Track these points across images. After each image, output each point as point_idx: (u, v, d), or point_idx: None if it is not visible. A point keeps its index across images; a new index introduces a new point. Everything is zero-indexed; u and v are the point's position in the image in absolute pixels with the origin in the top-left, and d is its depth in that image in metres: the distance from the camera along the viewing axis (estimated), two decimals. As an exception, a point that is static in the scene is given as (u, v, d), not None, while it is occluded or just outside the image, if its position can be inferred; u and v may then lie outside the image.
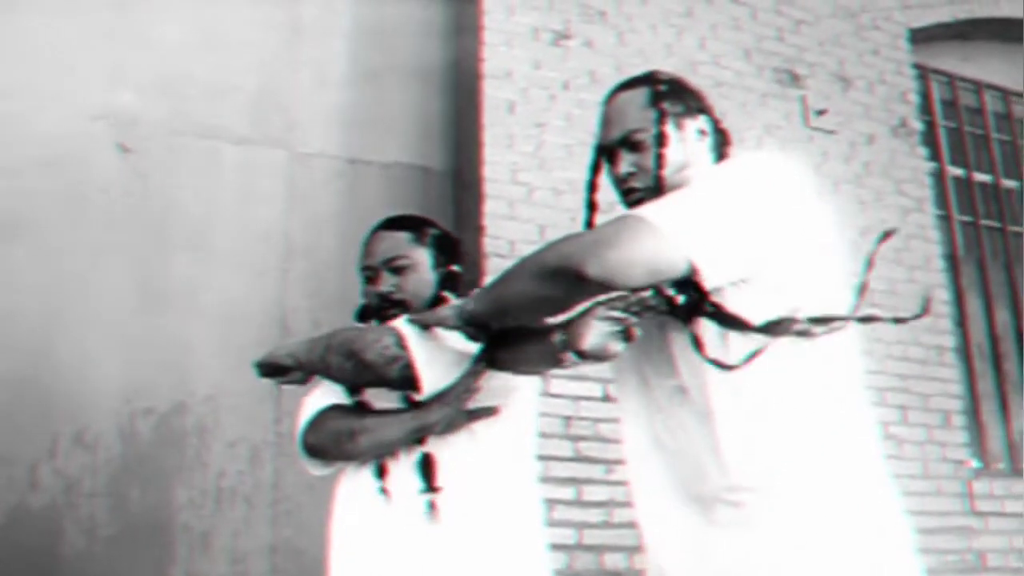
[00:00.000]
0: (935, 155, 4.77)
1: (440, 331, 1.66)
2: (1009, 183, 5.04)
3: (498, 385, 1.71)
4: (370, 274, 1.91)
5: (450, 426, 1.71)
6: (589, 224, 1.61)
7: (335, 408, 1.83)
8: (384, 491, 1.78)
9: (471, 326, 1.51)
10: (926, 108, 4.82)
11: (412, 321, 1.62)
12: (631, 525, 3.42)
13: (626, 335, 1.36)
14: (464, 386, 1.69)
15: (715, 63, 4.19)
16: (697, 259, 1.30)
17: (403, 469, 1.74)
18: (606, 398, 3.35)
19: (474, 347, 1.65)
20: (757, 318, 1.34)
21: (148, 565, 2.94)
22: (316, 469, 1.92)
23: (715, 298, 1.35)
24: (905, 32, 4.76)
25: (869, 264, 1.43)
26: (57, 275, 3.10)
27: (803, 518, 1.35)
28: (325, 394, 1.88)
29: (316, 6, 3.80)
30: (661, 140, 1.48)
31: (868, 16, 4.66)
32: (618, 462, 3.50)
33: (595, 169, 1.61)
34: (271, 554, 3.11)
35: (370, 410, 1.80)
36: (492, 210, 3.51)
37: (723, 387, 1.36)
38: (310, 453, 1.87)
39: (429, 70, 3.90)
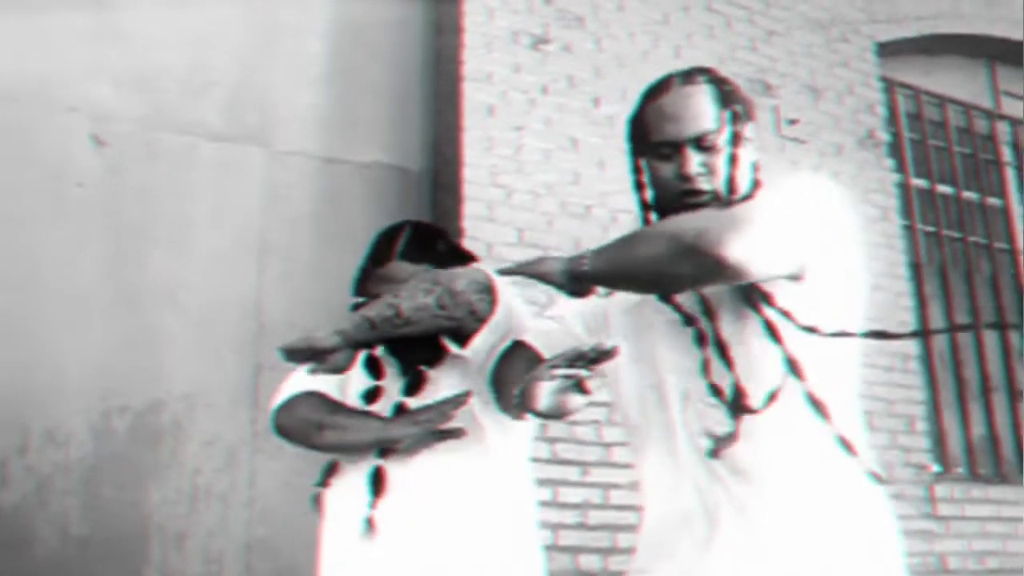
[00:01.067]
0: (900, 166, 4.88)
1: (506, 287, 1.67)
2: (969, 195, 5.16)
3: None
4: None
5: (415, 446, 1.70)
6: (644, 217, 1.54)
7: (310, 395, 1.82)
8: (317, 501, 1.79)
9: (576, 284, 1.41)
10: (892, 120, 4.92)
11: (504, 272, 1.51)
12: (606, 527, 3.48)
13: (580, 388, 1.30)
14: (440, 411, 1.69)
15: (690, 71, 4.24)
16: (810, 263, 1.35)
17: (353, 481, 1.74)
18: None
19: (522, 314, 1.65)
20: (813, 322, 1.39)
21: (121, 565, 2.91)
22: (287, 445, 1.93)
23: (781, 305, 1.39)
24: (872, 46, 4.87)
25: None
26: (31, 270, 3.06)
27: (809, 528, 1.39)
28: (305, 378, 1.88)
29: (295, 4, 3.79)
30: (736, 141, 1.47)
31: (838, 29, 4.75)
32: (594, 464, 3.54)
33: (639, 168, 1.54)
34: (246, 554, 3.09)
35: (343, 407, 1.80)
36: (471, 212, 3.53)
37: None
38: (279, 433, 1.88)
39: (408, 71, 3.91)
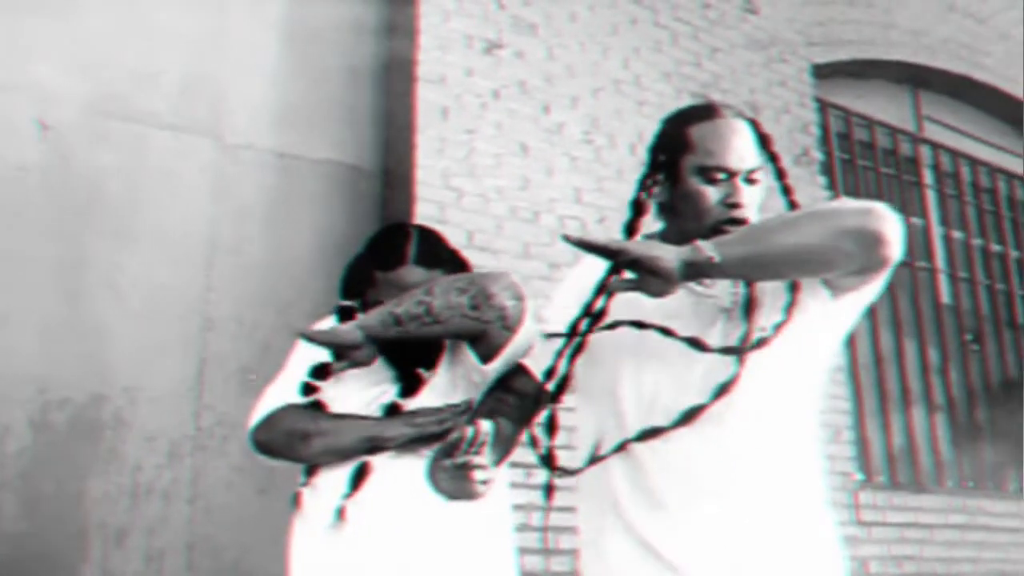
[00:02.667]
0: (831, 185, 5.05)
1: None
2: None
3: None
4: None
5: (405, 447, 1.71)
6: (632, 227, 1.56)
7: (290, 408, 1.80)
8: (297, 498, 1.79)
9: (692, 276, 1.38)
10: (825, 140, 5.10)
11: (628, 248, 1.34)
12: (549, 528, 3.50)
13: (468, 477, 1.32)
14: (439, 417, 1.69)
15: (637, 83, 4.33)
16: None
17: (336, 475, 1.74)
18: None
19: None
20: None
21: (59, 562, 2.83)
22: (269, 461, 1.90)
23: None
24: (808, 67, 5.04)
25: None
26: (-31, 255, 2.95)
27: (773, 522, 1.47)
28: (282, 391, 1.86)
29: (248, -5, 3.74)
30: (783, 176, 1.57)
31: (777, 49, 4.90)
32: (537, 467, 3.59)
33: (650, 186, 1.56)
34: (188, 552, 3.03)
35: (325, 413, 1.78)
36: (423, 213, 3.53)
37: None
38: (260, 450, 1.85)
39: (361, 69, 3.89)
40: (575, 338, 1.52)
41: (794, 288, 1.49)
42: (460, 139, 3.72)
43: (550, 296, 1.71)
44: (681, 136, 1.54)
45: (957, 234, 5.71)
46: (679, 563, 1.46)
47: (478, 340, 1.66)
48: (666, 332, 1.47)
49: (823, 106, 5.16)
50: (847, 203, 1.45)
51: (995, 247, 5.90)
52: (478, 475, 1.30)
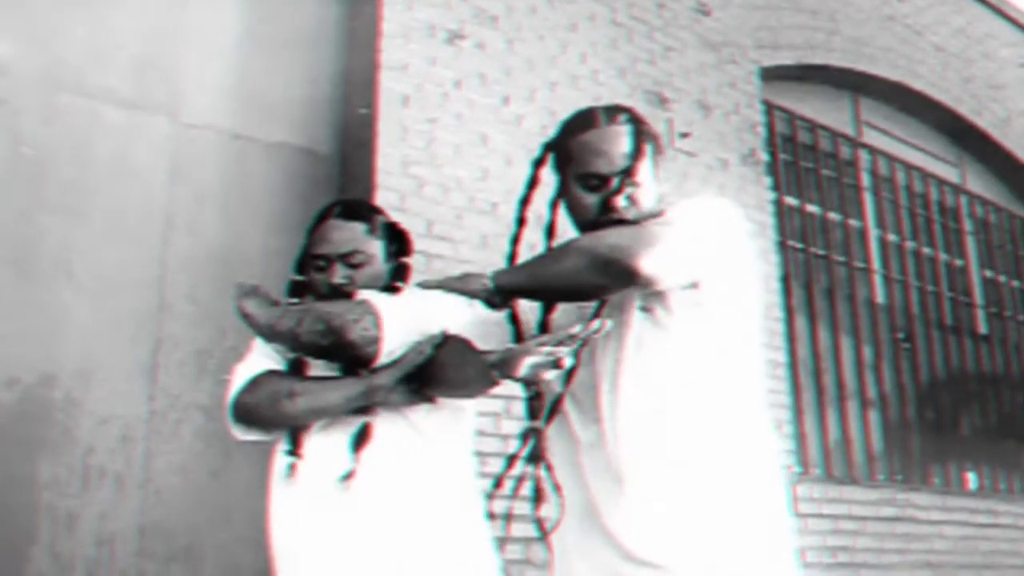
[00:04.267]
0: (775, 185, 5.18)
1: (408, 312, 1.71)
2: (833, 215, 5.54)
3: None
4: (322, 263, 1.87)
5: (391, 400, 1.74)
6: (517, 239, 1.77)
7: (271, 372, 1.81)
8: (292, 469, 1.79)
9: (498, 298, 1.62)
10: (770, 140, 5.22)
11: (426, 286, 1.67)
12: (529, 518, 3.55)
13: (556, 364, 1.46)
14: (417, 350, 1.72)
15: (593, 78, 4.38)
16: (704, 276, 1.56)
17: (331, 441, 1.76)
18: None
19: (434, 324, 1.71)
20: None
21: (8, 545, 2.76)
22: (243, 434, 1.89)
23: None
24: (756, 69, 5.16)
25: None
26: (-84, 229, 2.86)
27: (685, 502, 1.58)
28: (259, 360, 1.86)
29: (207, -27, 3.68)
30: (632, 174, 1.66)
31: (728, 51, 5.01)
32: (491, 454, 3.60)
33: (533, 184, 1.77)
34: (139, 536, 2.99)
35: (309, 376, 1.80)
36: (383, 201, 3.52)
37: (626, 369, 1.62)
38: (241, 416, 1.84)
39: (320, 54, 3.86)
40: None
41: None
42: (421, 128, 3.72)
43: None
44: (564, 148, 1.70)
45: (892, 236, 5.91)
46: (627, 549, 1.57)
47: (353, 360, 1.75)
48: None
49: (769, 108, 5.28)
50: (608, 235, 1.55)
51: (926, 250, 6.13)
52: (552, 371, 1.45)
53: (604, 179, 1.63)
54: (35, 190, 3.12)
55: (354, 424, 1.73)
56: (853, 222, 5.68)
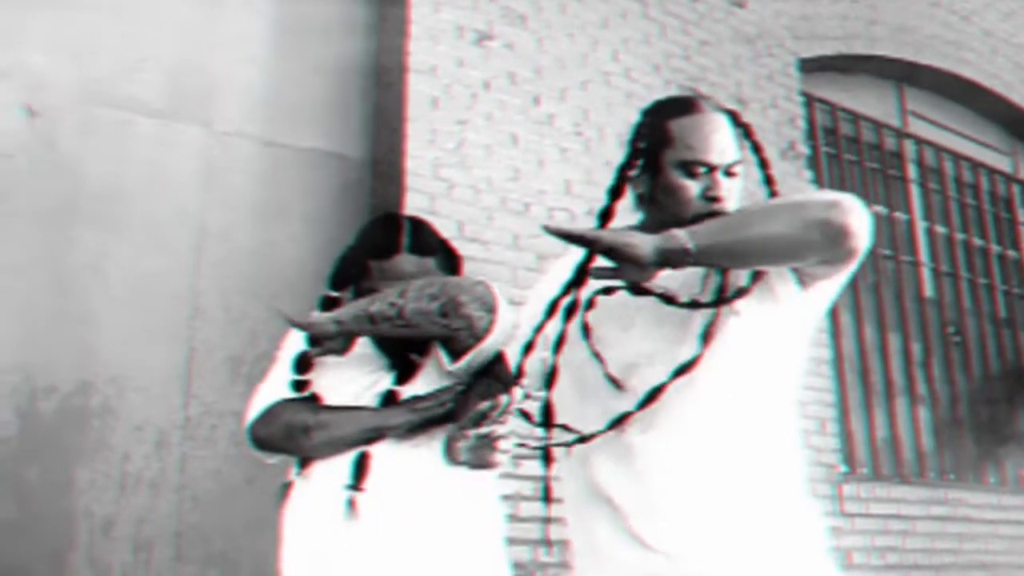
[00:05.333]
0: (817, 178, 5.08)
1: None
2: (878, 208, 5.42)
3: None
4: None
5: (407, 433, 1.71)
6: (606, 215, 1.57)
7: (287, 402, 1.79)
8: (287, 487, 1.78)
9: (667, 264, 1.39)
10: (811, 134, 5.12)
11: (597, 235, 1.34)
12: (536, 519, 3.52)
13: (492, 446, 1.39)
14: (438, 399, 1.69)
15: (626, 75, 4.33)
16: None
17: (336, 465, 1.74)
18: (526, 396, 3.42)
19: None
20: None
21: (46, 551, 2.81)
22: (266, 458, 1.90)
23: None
24: (795, 61, 5.06)
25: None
26: (-45, 242, 2.92)
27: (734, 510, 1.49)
28: (277, 385, 1.85)
29: (236, -17, 3.72)
30: (766, 165, 1.63)
31: (764, 43, 4.92)
32: (526, 457, 3.59)
33: (629, 167, 1.58)
34: (176, 541, 3.02)
35: (324, 405, 1.77)
36: (413, 204, 3.52)
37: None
38: (259, 446, 1.84)
39: (350, 59, 3.87)
40: (548, 321, 1.54)
41: (756, 276, 1.54)
42: (450, 130, 3.71)
43: (533, 287, 1.73)
44: (661, 129, 1.57)
45: (940, 229, 5.76)
46: (663, 548, 1.47)
47: (447, 341, 1.69)
48: (667, 299, 1.51)
49: (809, 100, 5.18)
50: (815, 194, 1.47)
51: (977, 242, 5.96)
52: (502, 444, 1.36)
53: (711, 168, 1.54)
54: (71, 201, 3.17)
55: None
56: (899, 215, 5.55)
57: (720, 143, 1.55)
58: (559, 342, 1.54)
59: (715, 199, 1.53)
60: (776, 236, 1.41)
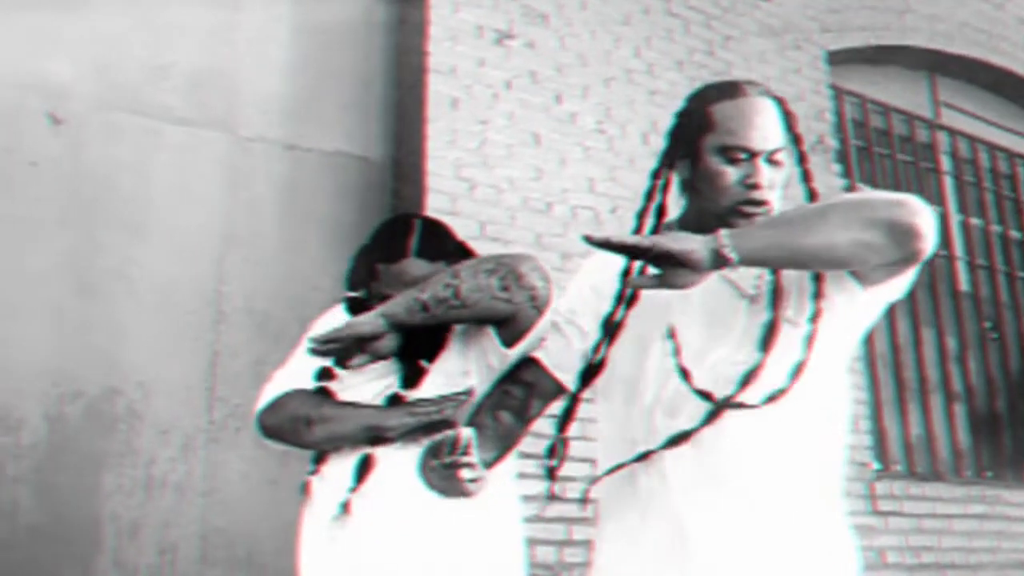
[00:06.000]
0: (847, 172, 5.01)
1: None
2: (911, 202, 5.32)
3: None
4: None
5: (405, 436, 1.70)
6: (643, 216, 1.54)
7: (296, 393, 1.80)
8: (305, 487, 1.78)
9: (717, 265, 1.34)
10: (840, 127, 5.05)
11: (652, 243, 1.30)
12: (562, 519, 3.50)
13: (456, 477, 1.32)
14: (439, 405, 1.68)
15: (649, 72, 4.30)
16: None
17: (342, 466, 1.74)
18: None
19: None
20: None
21: (74, 554, 2.84)
22: (273, 445, 1.91)
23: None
24: (823, 54, 4.99)
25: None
26: (-18, 250, 2.97)
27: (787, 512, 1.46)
28: (290, 376, 1.86)
29: (258, -12, 3.74)
30: (804, 159, 1.54)
31: (791, 36, 4.86)
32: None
33: (672, 157, 1.53)
34: (201, 544, 3.05)
35: (330, 400, 1.78)
36: (434, 204, 3.52)
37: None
38: (265, 434, 1.85)
39: (371, 61, 3.88)
40: (609, 329, 1.51)
41: (819, 277, 1.46)
42: (472, 130, 3.70)
43: (564, 287, 1.69)
44: (703, 115, 1.51)
45: (975, 221, 5.65)
46: (708, 551, 1.45)
47: (505, 323, 1.63)
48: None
49: (838, 93, 5.11)
50: (877, 195, 1.39)
51: (1014, 234, 5.84)
52: (466, 474, 1.30)
53: (753, 154, 1.46)
54: (96, 207, 3.20)
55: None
56: (932, 208, 5.44)
57: (762, 128, 1.47)
58: (609, 344, 1.52)
59: (754, 186, 1.46)
60: (836, 240, 1.33)
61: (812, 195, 1.53)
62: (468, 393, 1.65)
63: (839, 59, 5.10)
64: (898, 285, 1.47)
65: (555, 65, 4.02)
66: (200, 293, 3.28)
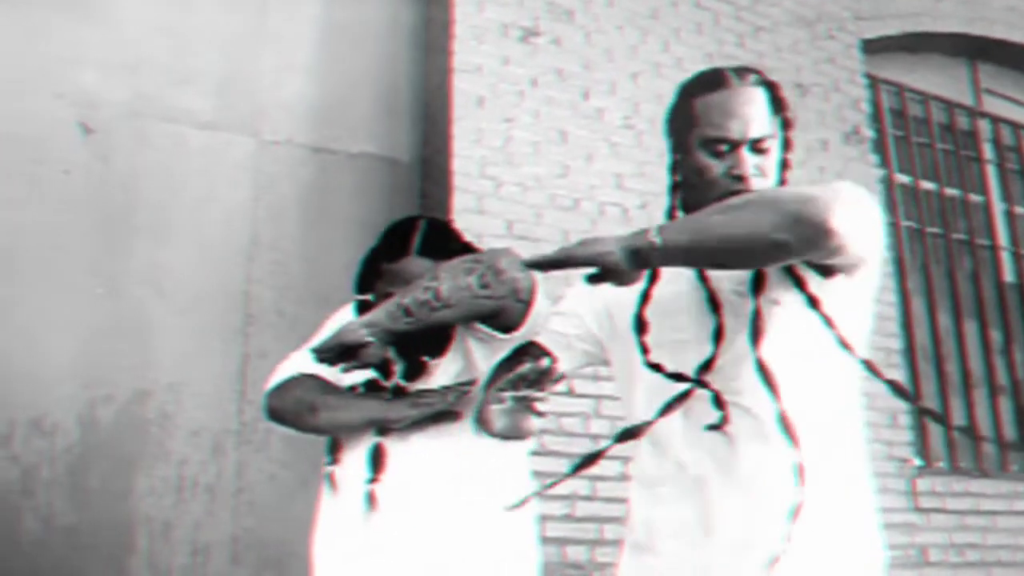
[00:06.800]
0: (884, 162, 4.91)
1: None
2: (952, 191, 5.21)
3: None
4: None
5: (410, 427, 1.70)
6: (671, 212, 1.53)
7: (305, 377, 1.81)
8: (331, 478, 1.78)
9: (642, 264, 1.34)
10: (876, 116, 4.96)
11: (537, 264, 1.37)
12: (593, 519, 3.48)
13: (531, 410, 1.31)
14: (442, 396, 1.67)
15: (678, 66, 4.25)
16: (865, 254, 1.36)
17: (357, 457, 1.74)
18: (569, 392, 3.39)
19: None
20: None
21: (107, 555, 2.88)
22: (279, 426, 1.92)
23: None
24: (858, 43, 4.89)
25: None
26: (15, 257, 3.02)
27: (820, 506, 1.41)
28: (300, 361, 1.87)
29: (283, -8, 3.77)
30: (788, 147, 1.51)
31: (823, 26, 4.78)
32: (580, 456, 3.54)
33: (683, 150, 1.51)
34: (233, 545, 3.07)
35: (336, 388, 1.78)
36: (460, 203, 3.52)
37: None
38: (271, 416, 1.87)
39: (397, 61, 3.89)
40: None
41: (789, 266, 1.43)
42: (497, 128, 3.69)
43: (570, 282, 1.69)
44: (688, 108, 1.50)
45: (1020, 210, 5.50)
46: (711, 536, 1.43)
47: (493, 319, 1.62)
48: (654, 367, 1.45)
49: (874, 82, 5.01)
50: (789, 190, 1.35)
51: (1061, 222, 5.69)
52: (540, 407, 1.30)
53: (735, 145, 1.45)
54: (126, 213, 3.25)
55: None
56: (975, 197, 5.32)
57: (744, 117, 1.45)
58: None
59: (740, 177, 1.44)
60: (743, 235, 1.29)
61: (782, 184, 1.50)
62: (472, 383, 1.64)
63: (875, 48, 5.00)
64: (865, 277, 1.43)
65: (581, 61, 3.99)
66: (229, 296, 3.31)
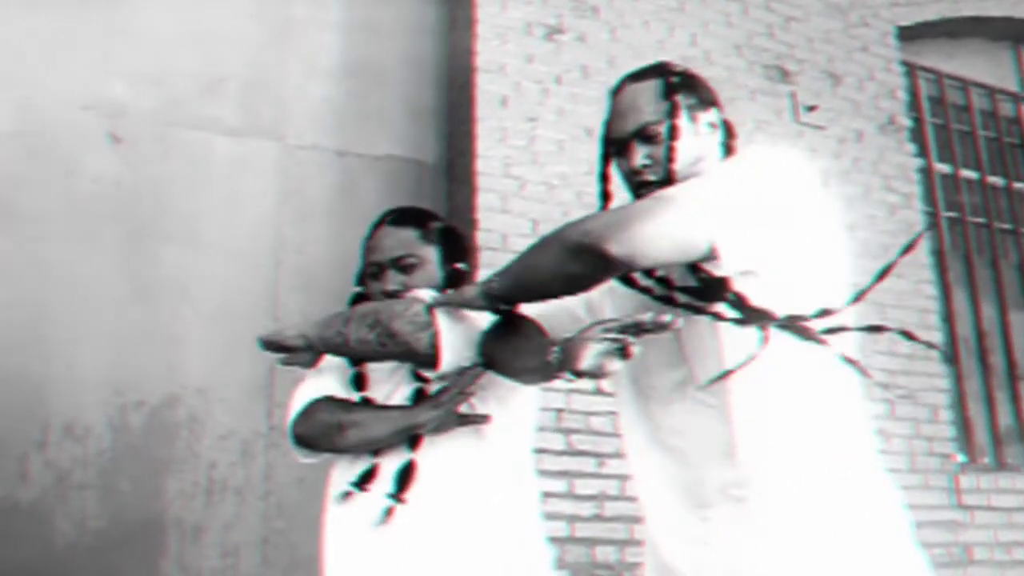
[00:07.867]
0: (922, 151, 4.81)
1: (466, 312, 1.64)
2: (995, 179, 5.08)
3: (496, 388, 1.69)
4: (375, 270, 1.85)
5: (439, 428, 1.69)
6: None
7: (326, 400, 1.80)
8: (348, 493, 1.77)
9: (496, 304, 1.47)
10: (914, 105, 4.85)
11: (436, 303, 1.55)
12: (622, 519, 3.46)
13: (623, 353, 1.32)
14: (459, 388, 1.67)
15: (706, 59, 4.20)
16: (719, 241, 1.30)
17: (386, 472, 1.73)
18: (598, 391, 3.36)
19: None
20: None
21: (139, 557, 2.93)
22: (305, 458, 1.91)
23: (736, 287, 1.35)
24: (893, 30, 4.79)
25: (883, 272, 1.46)
26: (47, 266, 3.09)
27: (805, 513, 1.36)
28: (318, 384, 1.87)
29: (308, -2, 3.79)
30: (673, 133, 1.46)
31: (857, 14, 4.68)
32: (610, 456, 3.52)
33: (605, 160, 1.56)
34: (262, 547, 3.10)
35: (361, 404, 1.78)
36: (485, 203, 3.51)
37: (736, 378, 1.35)
38: (299, 443, 1.86)
39: (421, 63, 3.90)
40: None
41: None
42: (521, 127, 3.68)
43: None
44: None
45: (1068, 197, 5.35)
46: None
47: (413, 359, 1.65)
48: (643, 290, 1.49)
49: (911, 70, 4.90)
50: (574, 222, 1.39)
51: (1113, 209, 5.51)
52: (619, 363, 1.33)
53: (622, 142, 1.49)
54: (153, 220, 3.30)
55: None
56: (1020, 185, 5.18)
57: (622, 114, 1.49)
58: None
59: (634, 172, 1.48)
60: (544, 269, 1.38)
61: (670, 173, 1.45)
62: (475, 366, 1.63)
63: (912, 34, 4.90)
64: (785, 240, 1.37)
65: (607, 58, 3.96)
66: (256, 300, 3.34)
